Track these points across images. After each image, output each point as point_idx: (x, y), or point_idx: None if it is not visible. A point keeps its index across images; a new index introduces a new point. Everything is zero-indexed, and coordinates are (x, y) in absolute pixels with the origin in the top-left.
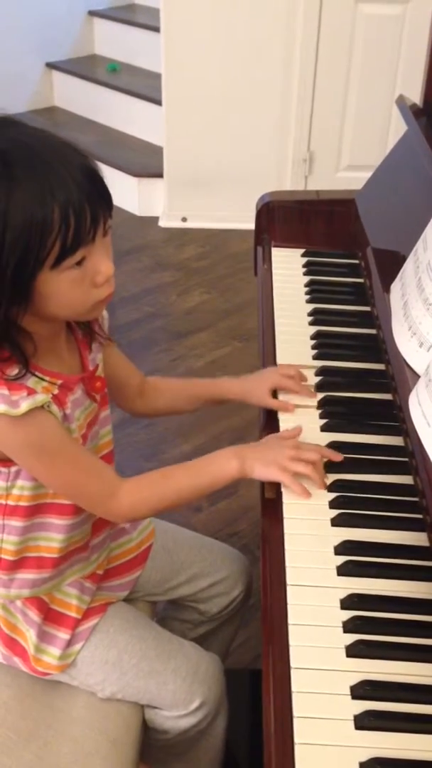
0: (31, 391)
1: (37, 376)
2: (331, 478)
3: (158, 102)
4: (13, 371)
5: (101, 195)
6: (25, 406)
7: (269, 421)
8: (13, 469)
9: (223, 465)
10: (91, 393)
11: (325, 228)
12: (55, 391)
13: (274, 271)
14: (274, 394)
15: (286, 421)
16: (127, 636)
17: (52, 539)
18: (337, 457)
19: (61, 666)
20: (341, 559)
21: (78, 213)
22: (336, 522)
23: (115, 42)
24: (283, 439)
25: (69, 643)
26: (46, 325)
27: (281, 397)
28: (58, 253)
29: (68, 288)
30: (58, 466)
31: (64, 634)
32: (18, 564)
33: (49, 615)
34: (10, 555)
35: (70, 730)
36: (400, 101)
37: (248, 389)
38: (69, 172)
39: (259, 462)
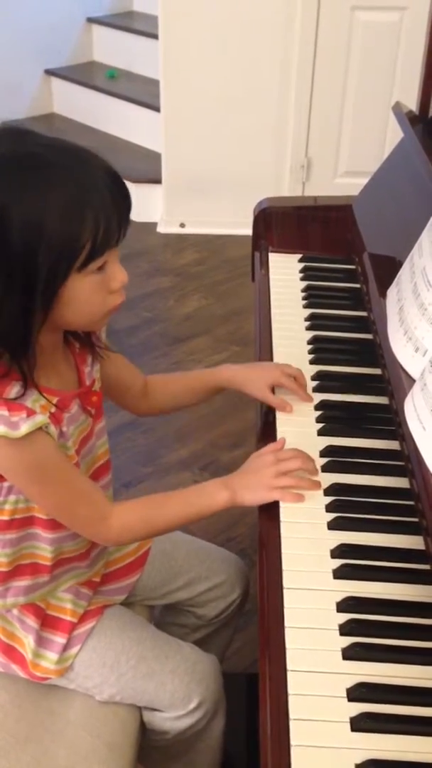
0: (31, 412)
1: (38, 392)
2: (328, 481)
3: (156, 108)
4: (13, 389)
5: (125, 198)
6: (25, 428)
7: (266, 428)
8: (6, 484)
9: (213, 496)
10: (86, 408)
11: (322, 234)
12: (52, 410)
13: (271, 276)
14: (273, 391)
15: (283, 426)
16: (123, 638)
17: (43, 548)
18: (316, 478)
19: (59, 670)
20: (337, 562)
21: (108, 216)
22: (332, 525)
23: (113, 49)
24: (263, 455)
25: (66, 647)
26: (49, 338)
27: (279, 394)
28: (87, 255)
29: (89, 293)
30: (51, 488)
31: (60, 639)
32: (12, 573)
33: (46, 620)
34: (3, 566)
35: (68, 733)
36: (397, 108)
37: (249, 379)
38: (99, 176)
39: (248, 489)
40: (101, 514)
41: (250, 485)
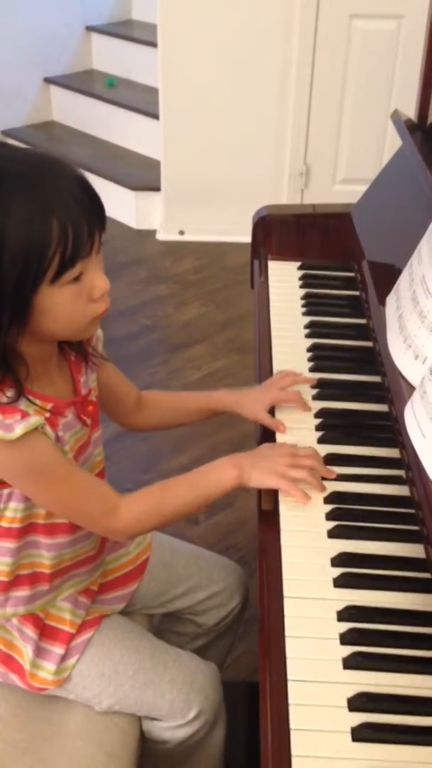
0: (25, 414)
1: (29, 400)
2: (328, 490)
3: (155, 116)
4: (6, 394)
5: (96, 207)
6: (19, 429)
7: (266, 434)
8: (6, 491)
9: (221, 475)
10: (82, 417)
11: (322, 241)
12: (47, 415)
13: (270, 283)
14: (272, 410)
15: (282, 434)
16: (122, 648)
17: (43, 556)
18: (330, 474)
19: (57, 681)
20: (338, 571)
21: (76, 226)
22: (333, 534)
23: (112, 57)
24: (278, 447)
25: (64, 658)
26: (40, 347)
27: (278, 414)
28: (57, 267)
29: (66, 303)
30: (55, 487)
31: (58, 649)
32: (12, 583)
33: (45, 630)
34: (4, 576)
35: (67, 744)
36: (395, 116)
37: (244, 402)
38: (64, 185)
39: (257, 470)
40: (109, 507)
41: (260, 467)
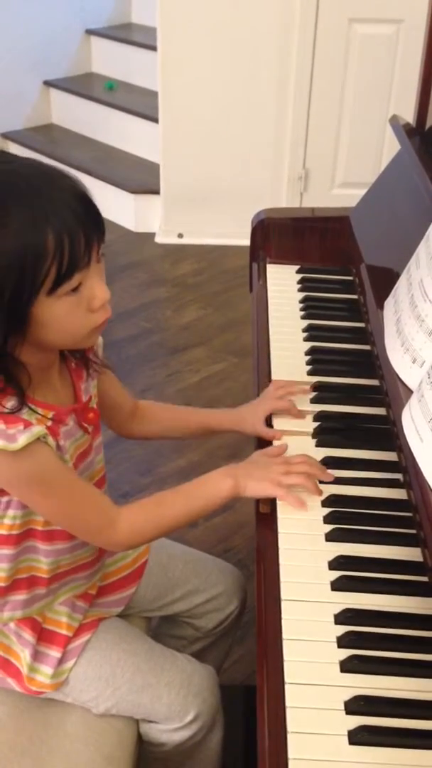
0: (27, 424)
1: (30, 408)
2: (326, 493)
3: (155, 119)
4: (8, 404)
5: (94, 219)
6: (22, 440)
7: (263, 439)
8: (4, 499)
9: (216, 486)
10: (83, 424)
11: (320, 245)
12: (48, 423)
13: (269, 287)
14: (269, 419)
15: (280, 440)
16: (119, 651)
17: (41, 562)
18: (327, 477)
19: (54, 684)
20: (335, 574)
21: (72, 238)
22: (330, 537)
23: (112, 60)
24: (271, 455)
25: (61, 661)
26: (41, 356)
27: (276, 420)
28: (54, 279)
29: (65, 314)
30: (55, 498)
31: (55, 653)
32: (10, 587)
33: (43, 634)
34: (1, 581)
35: (65, 746)
36: (394, 121)
37: (241, 420)
38: (61, 197)
39: (252, 479)
40: (109, 519)
41: (255, 476)
